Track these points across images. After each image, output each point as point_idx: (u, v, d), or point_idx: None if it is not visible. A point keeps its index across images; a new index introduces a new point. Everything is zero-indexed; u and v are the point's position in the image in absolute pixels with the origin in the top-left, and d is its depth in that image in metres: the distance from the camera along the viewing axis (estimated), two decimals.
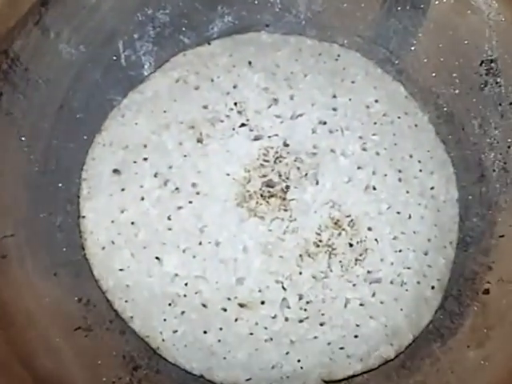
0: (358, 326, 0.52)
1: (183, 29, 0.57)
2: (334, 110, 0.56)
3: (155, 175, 0.53)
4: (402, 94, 0.58)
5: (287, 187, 0.54)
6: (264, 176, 0.54)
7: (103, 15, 0.54)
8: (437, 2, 0.56)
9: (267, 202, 0.53)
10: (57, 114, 0.53)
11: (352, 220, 0.54)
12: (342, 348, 0.51)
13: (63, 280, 0.51)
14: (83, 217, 0.53)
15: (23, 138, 0.52)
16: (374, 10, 0.57)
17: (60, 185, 0.53)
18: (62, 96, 0.54)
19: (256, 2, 0.57)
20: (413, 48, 0.57)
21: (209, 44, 0.57)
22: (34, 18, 0.51)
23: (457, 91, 0.57)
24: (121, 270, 0.52)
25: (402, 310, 0.53)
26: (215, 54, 0.57)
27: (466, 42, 0.56)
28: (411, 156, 0.56)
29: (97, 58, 0.55)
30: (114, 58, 0.55)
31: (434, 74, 0.57)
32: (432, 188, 0.56)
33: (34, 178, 0.52)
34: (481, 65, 0.55)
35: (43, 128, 0.53)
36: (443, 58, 0.57)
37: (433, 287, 0.54)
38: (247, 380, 0.50)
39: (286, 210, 0.53)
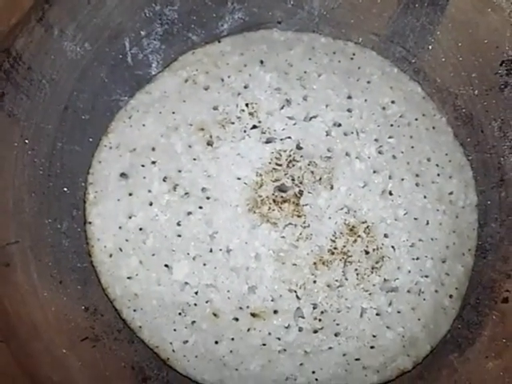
0: (374, 336, 0.50)
1: (192, 26, 0.54)
2: (349, 111, 0.54)
3: (164, 179, 0.51)
4: (419, 95, 0.56)
5: (300, 192, 0.52)
6: (277, 180, 0.52)
7: (109, 11, 0.52)
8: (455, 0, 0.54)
9: (280, 207, 0.51)
10: (61, 115, 0.51)
11: (368, 226, 0.52)
12: (357, 359, 0.50)
13: (69, 288, 0.50)
14: (89, 223, 0.51)
15: (27, 141, 0.50)
16: (390, 7, 0.55)
17: (65, 189, 0.51)
18: (67, 96, 0.51)
19: None
20: (430, 47, 0.55)
21: (219, 42, 0.54)
22: (37, 15, 0.49)
23: (476, 92, 0.54)
24: (129, 278, 0.50)
25: (419, 319, 0.51)
26: (225, 53, 0.54)
27: (485, 41, 0.53)
28: (429, 159, 0.54)
29: (102, 57, 0.52)
30: (121, 56, 0.53)
31: (452, 74, 0.55)
32: (451, 193, 0.54)
33: (38, 181, 0.50)
34: (501, 65, 0.53)
35: (47, 130, 0.51)
36: (462, 58, 0.54)
37: (451, 296, 0.52)
38: None
39: (299, 216, 0.51)
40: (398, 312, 0.51)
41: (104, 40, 0.52)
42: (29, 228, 0.49)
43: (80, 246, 0.51)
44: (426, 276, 0.52)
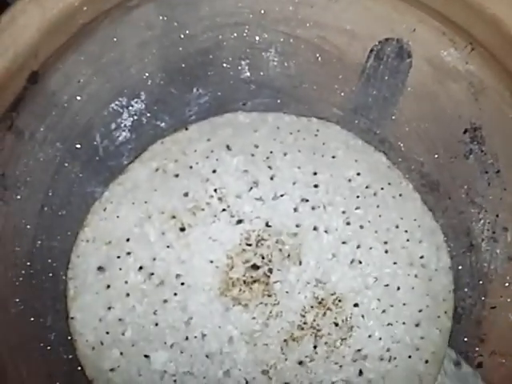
0: None
1: (160, 114, 0.56)
2: (316, 186, 0.56)
3: (139, 269, 0.53)
4: (384, 164, 0.57)
5: (270, 270, 0.53)
6: (247, 261, 0.54)
7: (77, 110, 0.53)
8: (416, 71, 0.54)
9: (250, 288, 0.53)
10: (39, 214, 0.53)
11: (337, 297, 0.53)
12: None
13: (58, 380, 0.52)
14: (72, 318, 0.53)
15: (7, 244, 0.52)
16: (352, 81, 0.56)
17: (47, 284, 0.53)
18: (43, 196, 0.53)
19: (231, 82, 0.56)
20: (394, 117, 0.56)
21: (186, 129, 0.56)
22: (6, 125, 0.50)
23: (441, 160, 0.55)
24: (111, 370, 0.52)
25: None
26: (193, 140, 0.56)
27: (448, 110, 0.54)
28: (397, 226, 0.56)
29: (74, 153, 0.54)
30: (92, 150, 0.55)
31: (416, 143, 0.56)
32: (422, 257, 0.55)
33: (20, 281, 0.52)
34: (465, 133, 0.54)
35: (26, 230, 0.52)
36: (425, 127, 0.55)
37: (427, 361, 0.53)
38: None
39: (269, 296, 0.53)
40: (368, 382, 0.52)
41: (74, 137, 0.54)
42: (14, 328, 0.51)
43: (65, 338, 0.53)
44: (398, 342, 0.53)
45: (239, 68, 0.56)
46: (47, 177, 0.53)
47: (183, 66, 0.55)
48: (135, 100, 0.55)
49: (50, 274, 0.53)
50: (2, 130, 0.50)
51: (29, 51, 0.47)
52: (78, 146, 0.54)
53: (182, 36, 0.54)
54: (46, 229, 0.53)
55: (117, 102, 0.55)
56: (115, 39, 0.52)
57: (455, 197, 0.55)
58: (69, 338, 0.53)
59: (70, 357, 0.53)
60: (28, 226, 0.53)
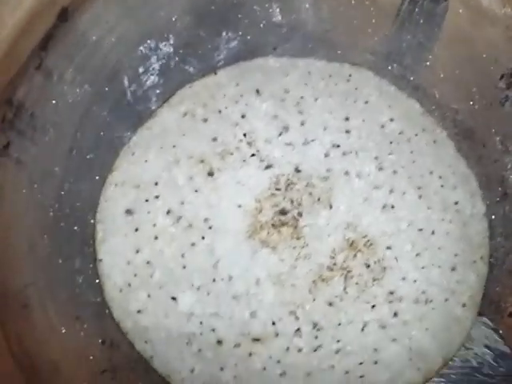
0: (376, 350, 0.51)
1: (188, 58, 0.55)
2: (348, 132, 0.55)
3: (167, 213, 0.53)
4: (417, 111, 0.56)
5: (299, 214, 0.53)
6: (276, 205, 0.53)
7: (106, 51, 0.53)
8: (452, 15, 0.53)
9: (279, 231, 0.52)
10: (67, 156, 0.53)
11: (369, 240, 0.53)
12: (361, 376, 0.50)
13: (86, 323, 0.52)
14: (100, 260, 0.53)
15: (36, 185, 0.51)
16: (386, 26, 0.54)
17: (75, 228, 0.53)
18: (71, 138, 0.53)
19: (262, 26, 0.55)
20: (428, 63, 0.55)
21: (215, 74, 0.55)
22: (35, 63, 0.50)
23: (476, 107, 0.54)
24: (139, 311, 0.52)
25: (427, 329, 0.51)
26: (222, 85, 0.55)
27: (484, 55, 0.53)
28: (431, 172, 0.55)
29: (103, 96, 0.54)
30: (120, 94, 0.54)
31: (451, 90, 0.55)
32: (456, 203, 0.54)
33: (49, 223, 0.52)
34: (501, 78, 0.53)
35: (54, 172, 0.52)
36: (461, 73, 0.54)
37: (464, 305, 0.52)
38: None
39: (298, 238, 0.52)
40: (404, 323, 0.51)
41: (103, 80, 0.53)
42: (43, 268, 0.51)
43: (93, 281, 0.53)
44: (434, 285, 0.52)
45: (270, 11, 0.55)
46: (75, 119, 0.53)
47: (213, 8, 0.54)
48: (164, 43, 0.54)
49: (78, 217, 0.53)
50: (31, 69, 0.50)
51: None
52: (106, 89, 0.54)
53: None
54: (74, 172, 0.53)
55: (145, 45, 0.54)
56: None
57: (490, 145, 0.54)
58: (97, 281, 0.53)
59: (98, 300, 0.53)
60: (56, 169, 0.53)
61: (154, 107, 0.55)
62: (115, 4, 0.52)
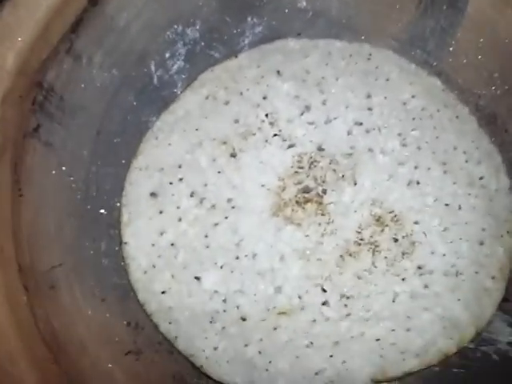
0: (408, 317, 0.50)
1: (214, 44, 0.56)
2: (370, 109, 0.55)
3: (191, 195, 0.54)
4: (439, 88, 0.56)
5: (324, 191, 0.53)
6: (299, 183, 0.53)
7: (133, 36, 0.54)
8: (475, 0, 0.53)
9: (303, 207, 0.53)
10: (94, 139, 0.54)
11: (396, 215, 0.53)
12: (393, 344, 0.50)
13: (111, 305, 0.52)
14: (125, 243, 0.53)
15: (64, 168, 0.52)
16: (409, 11, 0.55)
17: (102, 211, 0.54)
18: (99, 121, 0.54)
19: (286, 11, 0.56)
20: (451, 49, 0.55)
21: (236, 57, 0.56)
22: (65, 46, 0.51)
23: (498, 92, 0.54)
24: (163, 292, 0.52)
25: (459, 300, 0.51)
26: (243, 67, 0.56)
27: (506, 40, 0.53)
28: (455, 148, 0.55)
29: (130, 81, 0.54)
30: (147, 78, 0.55)
31: (474, 75, 0.55)
32: (481, 178, 0.54)
33: (76, 205, 0.53)
34: None
35: (82, 155, 0.53)
36: (483, 58, 0.55)
37: (493, 277, 0.52)
38: None
39: (323, 215, 0.53)
40: (436, 294, 0.51)
41: (130, 64, 0.54)
42: (70, 250, 0.52)
43: (118, 263, 0.53)
44: (463, 258, 0.52)
45: None
46: (103, 103, 0.54)
47: None
48: (190, 28, 0.55)
49: (105, 200, 0.54)
50: (61, 52, 0.51)
51: None
52: (133, 73, 0.55)
53: None
54: (101, 155, 0.54)
55: (172, 30, 0.55)
56: None
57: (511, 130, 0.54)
58: (122, 263, 0.54)
59: (123, 282, 0.53)
60: (84, 152, 0.53)
61: (179, 92, 0.56)
62: None
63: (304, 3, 0.56)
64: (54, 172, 0.52)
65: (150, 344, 0.52)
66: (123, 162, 0.55)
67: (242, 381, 0.51)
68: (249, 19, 0.56)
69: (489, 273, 0.52)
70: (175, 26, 0.55)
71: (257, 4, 0.55)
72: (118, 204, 0.54)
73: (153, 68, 0.55)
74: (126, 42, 0.54)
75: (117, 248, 0.54)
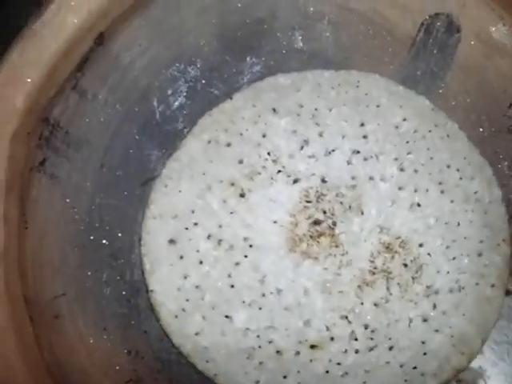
0: (423, 342, 0.53)
1: (214, 82, 0.58)
2: (365, 137, 0.57)
3: (208, 237, 0.55)
4: (428, 107, 0.58)
5: (334, 223, 0.55)
6: (310, 217, 0.56)
7: (137, 74, 0.56)
8: (464, 46, 0.56)
9: (318, 241, 0.55)
10: (98, 172, 0.55)
11: (403, 241, 0.55)
12: (414, 368, 0.53)
13: (112, 334, 0.54)
14: (151, 291, 0.55)
15: (68, 200, 0.54)
16: (401, 55, 0.58)
17: (104, 241, 0.55)
18: (102, 155, 0.55)
19: (284, 52, 0.58)
20: (441, 91, 0.58)
21: (231, 99, 0.58)
22: (71, 83, 0.52)
23: (485, 133, 0.57)
24: (196, 334, 0.54)
25: (464, 315, 0.54)
26: (239, 108, 0.58)
27: (494, 84, 0.56)
28: (449, 166, 0.57)
29: (133, 116, 0.56)
30: (150, 114, 0.57)
31: (462, 117, 0.57)
32: (475, 192, 0.56)
33: (79, 236, 0.54)
34: (509, 107, 0.56)
35: (86, 188, 0.55)
36: (471, 101, 0.57)
37: (493, 285, 0.55)
38: None
39: (337, 246, 0.55)
40: (443, 313, 0.54)
41: (133, 100, 0.56)
42: (73, 280, 0.53)
43: (119, 293, 0.55)
44: (465, 272, 0.54)
45: (293, 38, 0.58)
46: (107, 137, 0.56)
47: (239, 34, 0.57)
48: (191, 66, 0.57)
49: (107, 231, 0.55)
50: (67, 89, 0.53)
51: (100, 10, 0.49)
52: (136, 109, 0.56)
53: (239, 5, 0.56)
54: (104, 187, 0.56)
55: (174, 68, 0.57)
56: (177, 5, 0.54)
57: (498, 171, 0.57)
58: (123, 293, 0.55)
59: (124, 311, 0.55)
60: (88, 184, 0.55)
61: (180, 127, 0.58)
62: (147, 29, 0.55)
63: (301, 44, 0.58)
64: (58, 204, 0.53)
65: (149, 372, 0.54)
66: (125, 193, 0.56)
67: None
68: (248, 59, 0.58)
69: (488, 282, 0.55)
70: (177, 65, 0.57)
71: (256, 45, 0.58)
72: (120, 235, 0.56)
73: (155, 104, 0.57)
74: (130, 79, 0.55)
75: (118, 278, 0.55)
